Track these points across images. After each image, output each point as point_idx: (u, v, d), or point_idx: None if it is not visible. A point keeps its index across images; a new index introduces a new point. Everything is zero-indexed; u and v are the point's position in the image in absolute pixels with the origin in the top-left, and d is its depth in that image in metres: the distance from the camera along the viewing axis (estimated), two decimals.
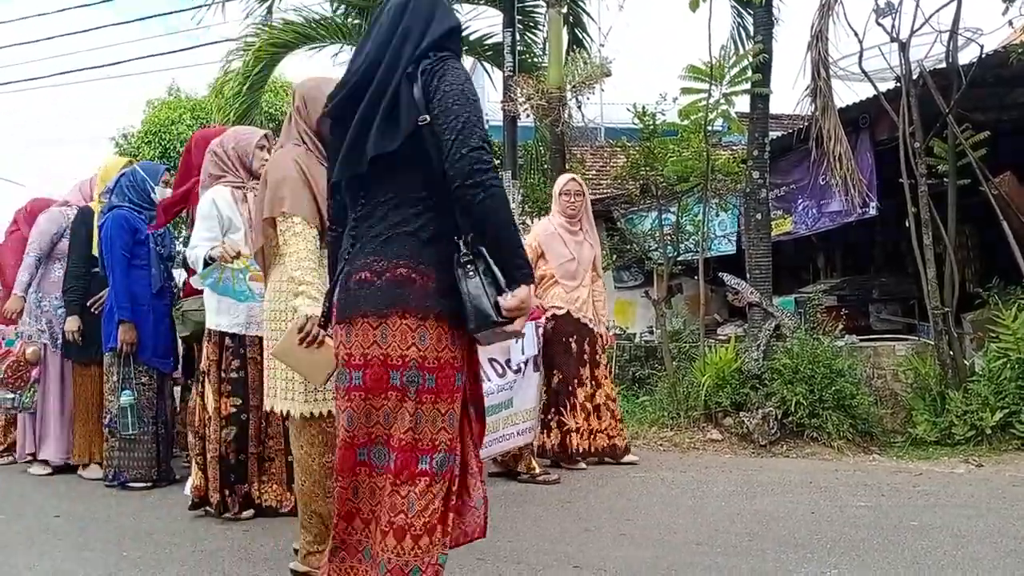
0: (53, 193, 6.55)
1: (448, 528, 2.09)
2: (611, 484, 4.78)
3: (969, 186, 6.25)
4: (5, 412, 5.73)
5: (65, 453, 5.32)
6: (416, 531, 2.01)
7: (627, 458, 5.29)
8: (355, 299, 2.07)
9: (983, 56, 6.03)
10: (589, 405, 5.19)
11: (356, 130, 2.11)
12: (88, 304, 5.11)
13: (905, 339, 7.27)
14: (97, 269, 5.06)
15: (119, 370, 4.68)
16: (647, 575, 3.10)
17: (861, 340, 7.19)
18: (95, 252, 5.06)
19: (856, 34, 6.16)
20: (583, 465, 5.12)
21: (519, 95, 8.33)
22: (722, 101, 6.66)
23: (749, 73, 6.57)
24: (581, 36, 10.38)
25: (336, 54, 11.04)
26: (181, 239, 5.43)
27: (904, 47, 6.04)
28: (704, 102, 6.64)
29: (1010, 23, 6.40)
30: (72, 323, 5.06)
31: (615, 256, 9.64)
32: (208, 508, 3.95)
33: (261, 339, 3.70)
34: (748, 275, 6.76)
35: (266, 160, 3.77)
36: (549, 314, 5.13)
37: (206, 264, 3.71)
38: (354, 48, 10.16)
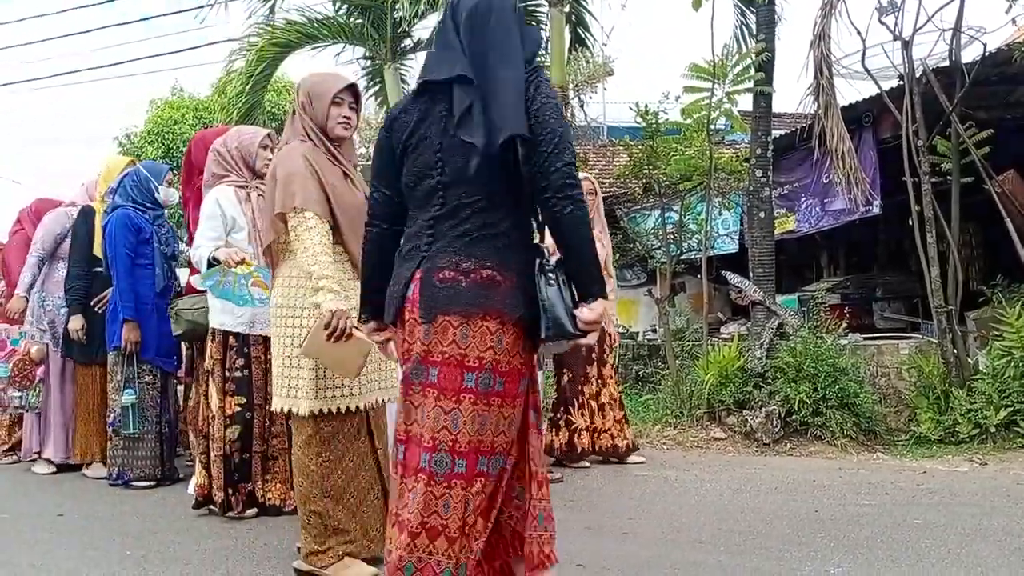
0: (50, 192, 6.57)
1: (479, 531, 2.09)
2: (614, 483, 4.78)
3: (972, 184, 6.25)
4: (13, 411, 5.75)
5: (65, 452, 5.34)
6: (451, 533, 2.04)
7: (633, 459, 5.29)
8: (440, 298, 2.07)
9: (986, 54, 6.02)
10: (594, 403, 5.19)
11: (494, 112, 2.07)
12: (92, 303, 5.12)
13: (909, 337, 7.26)
14: (99, 268, 5.07)
15: (123, 369, 4.69)
16: (650, 573, 3.10)
17: (864, 338, 7.19)
18: (97, 251, 5.07)
19: (859, 32, 6.16)
20: (586, 464, 5.13)
21: None
22: (725, 100, 6.65)
23: (752, 71, 6.57)
24: (583, 35, 10.38)
25: (339, 53, 11.08)
26: (184, 239, 5.43)
27: (907, 45, 6.03)
28: (707, 101, 6.64)
29: (1013, 21, 6.39)
30: (76, 322, 5.07)
31: (618, 255, 9.64)
32: (212, 507, 3.96)
33: (265, 338, 3.71)
34: (751, 273, 6.76)
35: (269, 159, 3.78)
36: None
37: (210, 265, 3.71)
38: (354, 48, 10.08)
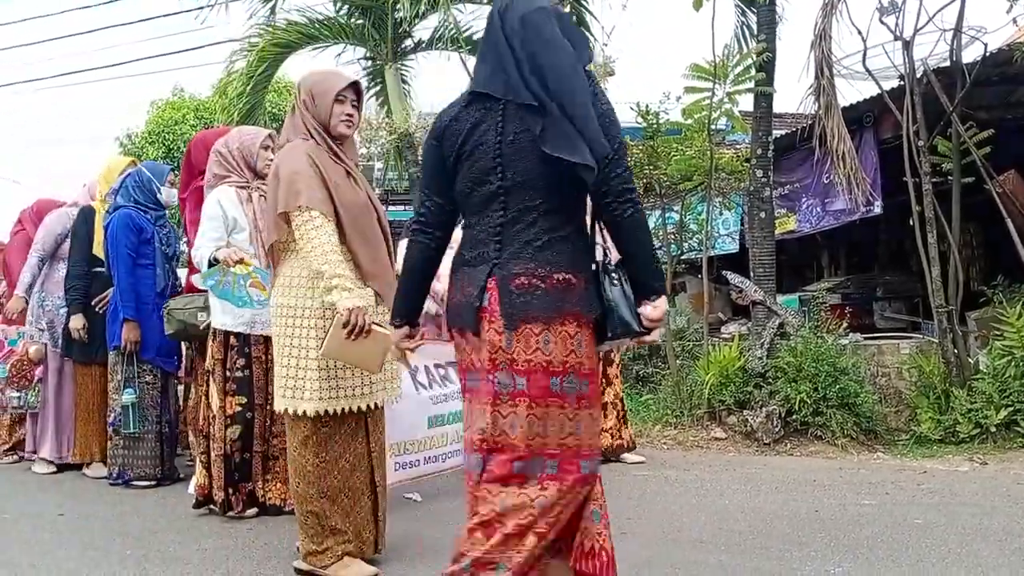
0: (53, 193, 6.58)
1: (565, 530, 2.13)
2: (614, 482, 4.78)
3: (973, 184, 6.24)
4: (12, 411, 5.75)
5: (59, 451, 5.34)
6: (540, 529, 2.06)
7: (633, 458, 5.28)
8: (520, 305, 2.08)
9: (987, 54, 6.01)
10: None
11: (563, 140, 2.08)
12: (93, 303, 5.12)
13: (909, 337, 7.26)
14: (99, 268, 5.07)
15: (123, 369, 4.70)
16: (650, 573, 3.10)
17: (865, 338, 7.18)
18: (98, 251, 5.07)
19: (860, 32, 6.16)
20: None
21: None
22: (725, 100, 6.64)
23: (752, 72, 6.56)
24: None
25: (339, 54, 11.06)
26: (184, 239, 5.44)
27: (908, 45, 6.03)
28: (708, 101, 6.63)
29: (1014, 21, 6.38)
30: (76, 321, 5.07)
31: None
32: (212, 507, 3.96)
33: (266, 338, 3.71)
34: (752, 273, 6.76)
35: (270, 160, 3.77)
36: None
37: (210, 265, 3.72)
38: (355, 48, 10.03)
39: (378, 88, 11.17)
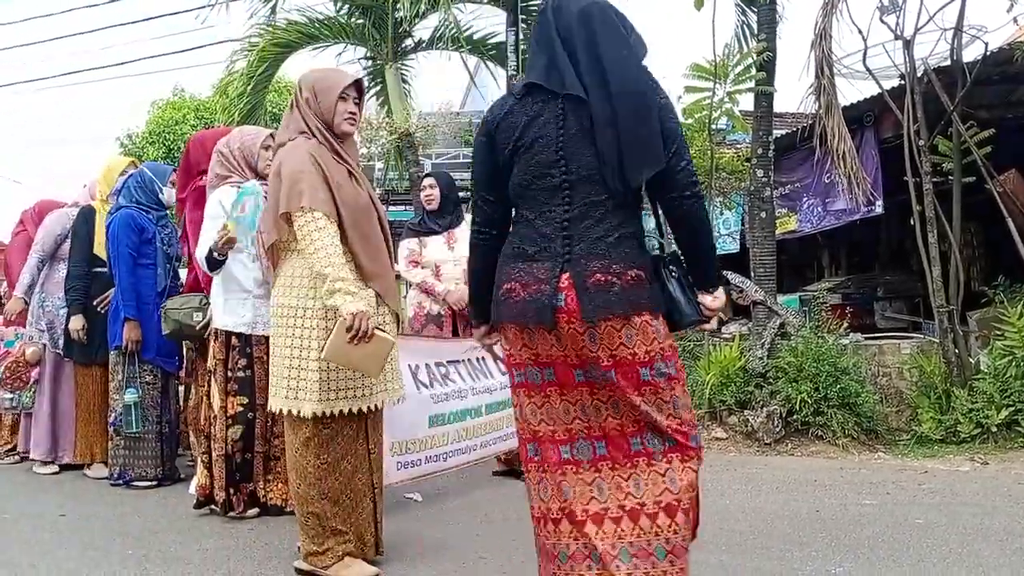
0: (54, 193, 6.58)
1: None
2: None
3: (974, 184, 6.24)
4: (5, 412, 5.76)
5: (54, 453, 5.34)
6: (684, 505, 2.13)
7: None
8: (599, 301, 2.10)
9: (987, 53, 6.01)
10: None
11: (627, 137, 2.10)
12: (95, 303, 5.12)
13: (910, 337, 7.25)
14: (99, 269, 5.07)
15: (124, 368, 4.70)
16: None
17: (866, 338, 7.17)
18: (98, 251, 5.07)
19: (860, 32, 6.16)
20: None
21: None
22: (726, 99, 6.65)
23: (753, 71, 6.56)
24: None
25: (340, 53, 11.05)
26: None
27: (908, 45, 6.03)
28: (708, 100, 6.63)
29: (1015, 20, 6.38)
30: (76, 322, 5.06)
31: None
32: (213, 507, 3.96)
33: (267, 338, 3.70)
34: (752, 273, 6.75)
35: (271, 160, 3.76)
36: None
37: (211, 263, 3.71)
38: (356, 48, 9.98)
39: (378, 88, 11.16)
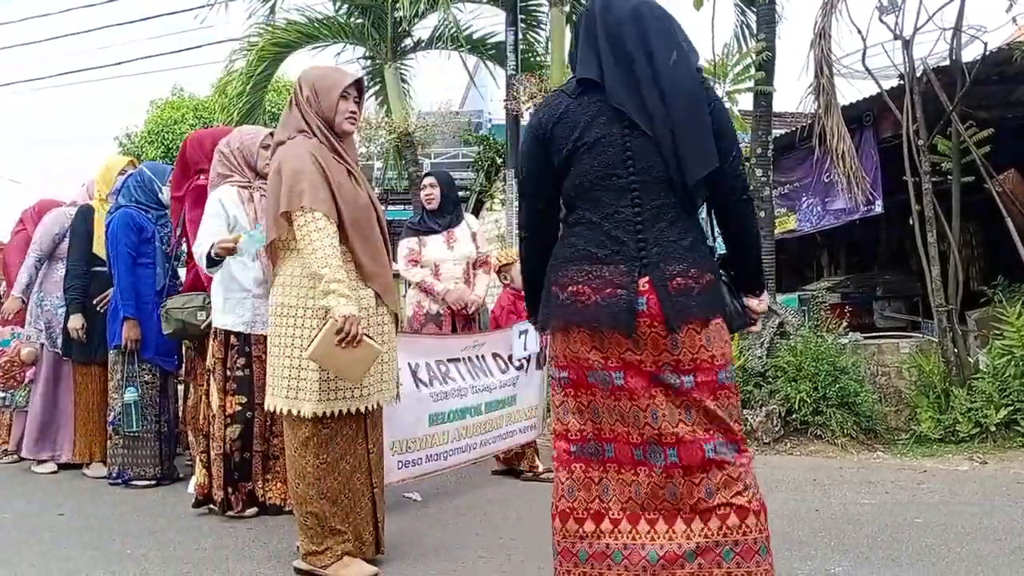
0: (52, 193, 6.58)
1: None
2: None
3: (973, 183, 6.24)
4: (3, 412, 5.76)
5: (51, 451, 5.33)
6: (755, 507, 2.13)
7: None
8: (681, 305, 2.09)
9: (987, 53, 6.01)
10: None
11: (683, 137, 2.10)
12: (94, 303, 5.11)
13: (909, 336, 7.26)
14: (98, 268, 5.06)
15: (123, 368, 4.70)
16: None
17: (865, 338, 7.18)
18: (97, 250, 5.07)
19: (859, 31, 6.16)
20: None
21: (522, 94, 8.31)
22: (725, 99, 6.64)
23: (752, 71, 6.57)
24: None
25: (339, 53, 11.05)
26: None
27: (908, 44, 6.03)
28: None
29: (1014, 20, 6.38)
30: (75, 321, 5.06)
31: None
32: (212, 506, 3.95)
33: (266, 337, 3.70)
34: None
35: (270, 159, 3.76)
36: None
37: (210, 261, 3.71)
38: (355, 47, 9.95)
39: (378, 87, 11.17)
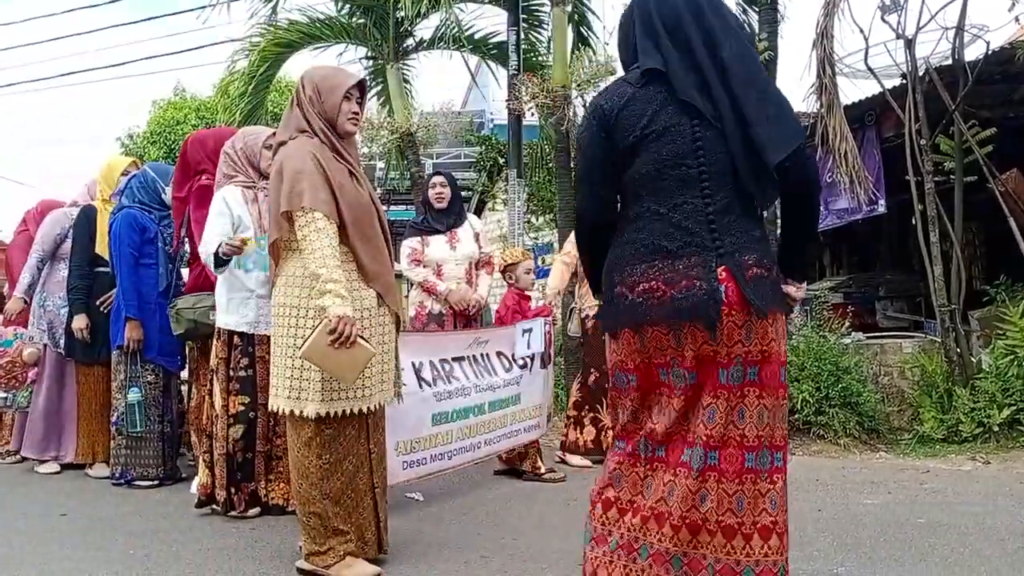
0: (53, 193, 6.58)
1: None
2: None
3: (976, 183, 6.24)
4: (4, 411, 5.76)
5: (55, 451, 5.34)
6: (780, 528, 2.09)
7: None
8: (758, 296, 2.07)
9: (989, 53, 6.01)
10: None
11: (759, 119, 2.08)
12: (98, 303, 5.12)
13: (912, 336, 7.25)
14: (101, 268, 5.07)
15: (126, 368, 4.70)
16: None
17: (867, 337, 7.18)
18: (100, 250, 5.07)
19: (862, 31, 6.16)
20: (588, 462, 5.11)
21: (524, 94, 8.30)
22: None
23: None
24: (586, 34, 10.35)
25: (341, 53, 11.04)
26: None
27: (910, 44, 6.03)
28: None
29: (1016, 19, 6.38)
30: (79, 321, 5.06)
31: None
32: (214, 506, 3.95)
33: (270, 338, 3.70)
34: None
35: (272, 160, 3.76)
36: (592, 314, 5.11)
37: (216, 260, 3.71)
38: (357, 47, 9.92)
39: (380, 87, 11.16)
